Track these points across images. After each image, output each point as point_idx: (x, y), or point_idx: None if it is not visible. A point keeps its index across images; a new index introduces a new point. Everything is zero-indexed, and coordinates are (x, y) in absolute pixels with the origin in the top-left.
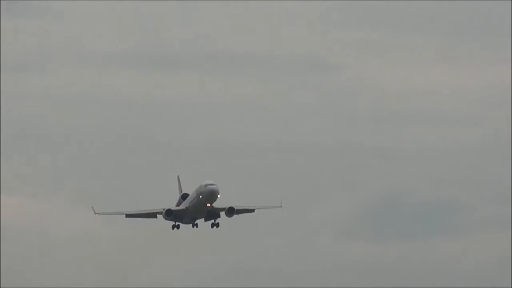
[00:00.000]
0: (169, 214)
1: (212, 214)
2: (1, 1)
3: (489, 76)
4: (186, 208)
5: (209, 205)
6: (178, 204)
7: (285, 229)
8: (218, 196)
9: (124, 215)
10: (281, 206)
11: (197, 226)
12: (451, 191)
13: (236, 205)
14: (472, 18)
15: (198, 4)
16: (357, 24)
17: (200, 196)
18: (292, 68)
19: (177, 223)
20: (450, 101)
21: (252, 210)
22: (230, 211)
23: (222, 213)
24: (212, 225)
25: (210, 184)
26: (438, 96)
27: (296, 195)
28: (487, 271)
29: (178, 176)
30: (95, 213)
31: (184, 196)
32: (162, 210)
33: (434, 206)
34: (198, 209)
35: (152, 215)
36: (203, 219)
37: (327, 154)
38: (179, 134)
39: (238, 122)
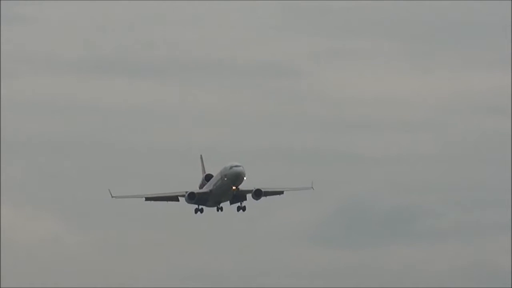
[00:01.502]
0: (191, 197)
1: (238, 197)
2: None
3: (454, 82)
4: (210, 191)
5: (235, 187)
6: (202, 186)
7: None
8: (244, 178)
9: (144, 199)
10: (312, 188)
11: (222, 210)
12: (416, 198)
13: (264, 186)
14: (437, 24)
15: (160, 10)
16: (319, 30)
17: (225, 179)
18: (253, 75)
19: (200, 207)
20: (413, 108)
21: (281, 192)
22: (257, 194)
23: (249, 196)
24: (238, 209)
25: (235, 166)
26: (401, 103)
27: None
28: (454, 276)
29: (201, 156)
30: (112, 196)
31: (208, 177)
32: (184, 193)
33: (399, 212)
34: (222, 192)
35: (174, 198)
36: (228, 202)
37: (289, 160)
38: (140, 139)
39: (200, 128)
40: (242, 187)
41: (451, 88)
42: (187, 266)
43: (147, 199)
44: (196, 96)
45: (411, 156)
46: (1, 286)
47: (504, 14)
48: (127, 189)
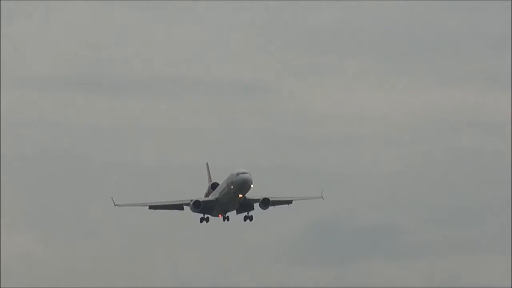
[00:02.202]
0: (197, 206)
1: (245, 206)
2: None
3: (420, 100)
4: (216, 199)
5: (241, 196)
6: (208, 195)
7: (325, 222)
8: (251, 186)
9: (147, 207)
10: (321, 197)
11: (228, 219)
12: (385, 215)
13: (272, 195)
14: (404, 43)
15: (134, 27)
16: (290, 47)
17: (231, 186)
18: (226, 92)
19: (206, 216)
20: (382, 124)
21: (290, 202)
22: (265, 203)
23: (256, 205)
24: (245, 218)
25: (242, 173)
26: (370, 119)
27: None
28: None
29: (207, 164)
30: (115, 205)
31: (214, 186)
32: (189, 201)
33: (369, 230)
34: (229, 200)
35: (179, 206)
36: (235, 211)
37: (263, 177)
38: (114, 157)
39: (175, 145)
40: (249, 196)
41: (421, 104)
42: (190, 277)
43: (151, 207)
44: (166, 112)
45: (381, 172)
46: (1, 286)
47: (473, 30)
48: (130, 198)
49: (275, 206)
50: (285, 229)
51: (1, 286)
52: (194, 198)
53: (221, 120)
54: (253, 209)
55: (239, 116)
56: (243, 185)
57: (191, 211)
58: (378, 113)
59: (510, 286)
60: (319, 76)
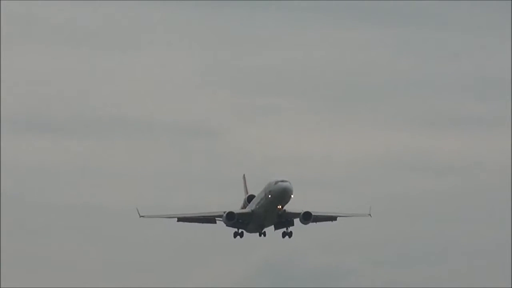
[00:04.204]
0: (230, 218)
1: (284, 222)
2: None
3: (364, 142)
4: (252, 211)
5: (280, 207)
6: (243, 208)
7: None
8: (292, 196)
9: (176, 219)
10: (369, 215)
11: (264, 235)
12: (334, 257)
13: (315, 210)
14: (347, 84)
15: (77, 65)
16: (238, 88)
17: (269, 196)
18: (174, 134)
19: (240, 231)
20: (332, 165)
21: (334, 218)
22: (306, 217)
23: (297, 221)
24: (284, 235)
25: (282, 181)
26: (319, 160)
27: None
28: None
29: (243, 175)
30: (140, 216)
31: (250, 198)
32: (222, 213)
33: (324, 272)
34: (266, 212)
35: (210, 219)
36: (272, 227)
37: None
38: (55, 197)
39: (122, 188)
40: (289, 209)
41: (364, 146)
42: None
43: (180, 219)
44: (112, 154)
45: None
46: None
47: (416, 70)
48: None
49: (317, 223)
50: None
51: (1, 286)
52: (228, 210)
53: (162, 162)
54: (292, 224)
55: (180, 158)
56: (283, 194)
57: (224, 225)
58: (321, 154)
59: (510, 286)
60: (261, 117)
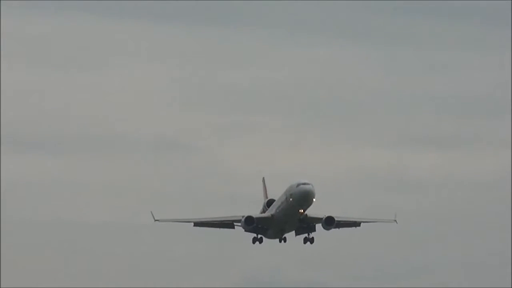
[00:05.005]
0: (249, 223)
1: (305, 227)
2: None
3: (340, 159)
4: (272, 215)
5: (302, 211)
6: (263, 212)
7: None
8: (314, 199)
9: (192, 224)
10: (395, 221)
11: (285, 241)
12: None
13: (337, 215)
14: (325, 101)
15: (54, 82)
16: (212, 105)
17: (290, 199)
18: (147, 150)
19: (259, 236)
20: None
21: (358, 224)
22: (329, 222)
23: (319, 226)
24: (305, 240)
25: (303, 184)
26: (293, 178)
27: None
28: None
29: (263, 178)
30: (155, 220)
31: (270, 203)
32: (241, 218)
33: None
34: (287, 217)
35: (228, 224)
36: (293, 232)
37: (189, 237)
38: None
39: (97, 203)
40: (310, 213)
41: (347, 163)
42: None
43: (196, 224)
44: (87, 169)
45: None
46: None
47: (391, 87)
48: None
49: (340, 228)
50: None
51: (1, 286)
52: (247, 214)
53: (136, 176)
54: (314, 230)
55: (155, 173)
56: (305, 197)
57: (242, 230)
58: (295, 171)
59: (510, 286)
60: (237, 134)
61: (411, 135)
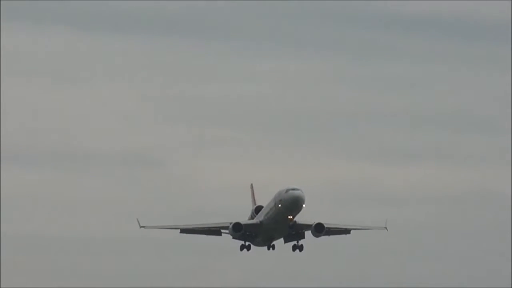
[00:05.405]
0: (237, 230)
1: (294, 234)
2: None
3: (315, 172)
4: (261, 222)
5: (291, 217)
6: (251, 219)
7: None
8: (304, 205)
9: (179, 231)
10: (385, 228)
11: (273, 248)
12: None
13: (327, 222)
14: (296, 115)
15: (25, 98)
16: (184, 120)
17: (279, 205)
18: (117, 164)
19: (247, 243)
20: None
21: (348, 231)
22: (319, 229)
23: (308, 233)
24: (294, 248)
25: (293, 189)
26: (264, 192)
27: None
28: None
29: (251, 185)
30: (141, 226)
31: (258, 209)
32: (228, 224)
33: None
34: (276, 223)
35: (215, 231)
36: (282, 239)
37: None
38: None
39: (68, 217)
40: (300, 220)
41: (317, 176)
42: None
43: (183, 231)
44: (59, 185)
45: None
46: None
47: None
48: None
49: (330, 236)
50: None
51: (1, 286)
52: (235, 220)
53: (109, 191)
54: (303, 237)
55: (128, 188)
56: (294, 203)
57: (230, 237)
58: (266, 185)
59: (510, 286)
60: (208, 148)
61: (384, 148)
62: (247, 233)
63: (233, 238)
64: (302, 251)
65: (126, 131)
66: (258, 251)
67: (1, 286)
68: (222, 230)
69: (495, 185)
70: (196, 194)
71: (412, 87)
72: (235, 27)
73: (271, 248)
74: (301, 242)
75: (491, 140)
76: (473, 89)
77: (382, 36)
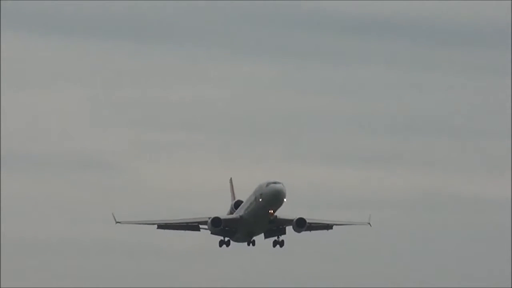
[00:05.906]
0: (216, 225)
1: (275, 229)
2: None
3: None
4: (240, 217)
5: (272, 212)
6: (230, 214)
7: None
8: (285, 199)
9: (156, 226)
10: (369, 224)
11: (253, 244)
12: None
13: (309, 217)
14: (259, 119)
15: None
16: (133, 123)
17: (260, 199)
18: (61, 167)
19: (226, 239)
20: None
21: (330, 227)
22: (300, 224)
23: (289, 229)
24: (275, 244)
25: (274, 182)
26: (217, 197)
27: None
28: None
29: (230, 179)
30: (116, 222)
31: (238, 204)
32: (207, 219)
33: None
34: (256, 218)
35: (193, 226)
36: (262, 235)
37: (115, 255)
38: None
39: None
40: (281, 215)
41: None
42: None
43: (160, 226)
44: (11, 188)
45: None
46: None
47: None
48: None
49: (311, 231)
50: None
51: (1, 286)
52: (213, 215)
53: (58, 195)
54: (284, 233)
55: (76, 192)
56: (275, 197)
57: (209, 232)
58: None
59: (510, 286)
60: (162, 153)
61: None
62: (227, 228)
63: (211, 233)
64: (283, 247)
65: (74, 135)
66: (237, 247)
67: (1, 286)
68: (201, 226)
69: (454, 188)
70: (146, 198)
71: (384, 89)
72: (182, 30)
73: (251, 244)
74: (282, 237)
75: (441, 142)
76: (441, 93)
77: (356, 38)
